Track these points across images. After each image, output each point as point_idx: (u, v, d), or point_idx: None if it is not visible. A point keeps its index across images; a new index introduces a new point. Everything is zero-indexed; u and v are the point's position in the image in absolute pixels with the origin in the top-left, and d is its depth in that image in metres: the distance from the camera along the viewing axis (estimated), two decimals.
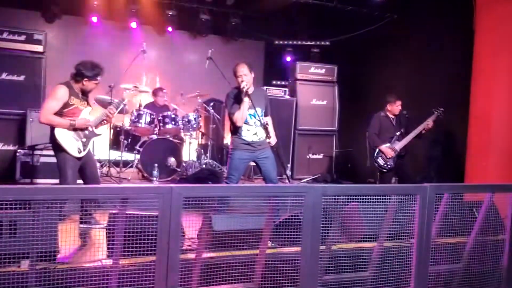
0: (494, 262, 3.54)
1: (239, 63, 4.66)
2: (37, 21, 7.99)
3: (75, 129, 4.31)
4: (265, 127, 4.54)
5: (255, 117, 4.63)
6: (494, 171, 5.54)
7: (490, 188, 3.65)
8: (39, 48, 6.78)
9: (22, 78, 6.66)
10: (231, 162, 4.68)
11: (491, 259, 3.53)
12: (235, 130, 4.67)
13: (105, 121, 4.63)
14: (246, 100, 4.52)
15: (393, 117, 6.16)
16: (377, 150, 6.07)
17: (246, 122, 4.63)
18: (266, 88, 8.16)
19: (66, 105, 4.27)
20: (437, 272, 3.33)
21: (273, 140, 4.67)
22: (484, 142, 5.70)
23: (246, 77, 4.56)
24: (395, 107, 6.11)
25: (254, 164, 5.01)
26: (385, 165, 6.02)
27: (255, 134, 4.66)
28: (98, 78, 4.42)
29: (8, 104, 6.53)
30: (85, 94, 4.48)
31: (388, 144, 6.02)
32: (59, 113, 4.25)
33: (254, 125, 4.64)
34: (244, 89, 4.49)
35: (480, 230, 3.55)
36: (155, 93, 7.83)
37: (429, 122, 5.92)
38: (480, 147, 5.74)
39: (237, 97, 4.62)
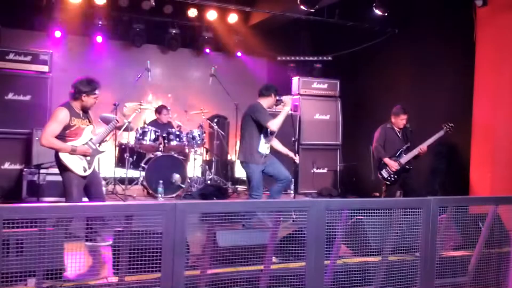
0: (500, 274, 3.52)
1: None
2: (43, 41, 8.09)
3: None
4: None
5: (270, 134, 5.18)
6: (498, 183, 5.53)
7: (494, 201, 3.65)
8: (45, 68, 6.87)
9: (28, 98, 6.73)
10: (257, 176, 5.06)
11: (497, 272, 3.51)
12: (254, 146, 5.07)
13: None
14: (286, 109, 5.09)
15: (398, 130, 6.12)
16: (381, 162, 6.05)
17: (266, 137, 5.12)
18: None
19: (67, 126, 4.29)
20: (442, 285, 3.32)
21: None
22: (487, 153, 5.70)
23: None
24: (399, 121, 6.06)
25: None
26: (389, 178, 5.99)
27: (268, 148, 5.20)
28: (96, 92, 4.43)
29: (15, 124, 6.60)
30: (85, 111, 4.50)
31: (393, 158, 5.99)
32: (61, 135, 4.28)
33: (268, 142, 5.20)
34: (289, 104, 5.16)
35: (486, 242, 3.54)
36: (158, 111, 7.87)
37: (435, 138, 5.78)
38: (483, 158, 5.74)
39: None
